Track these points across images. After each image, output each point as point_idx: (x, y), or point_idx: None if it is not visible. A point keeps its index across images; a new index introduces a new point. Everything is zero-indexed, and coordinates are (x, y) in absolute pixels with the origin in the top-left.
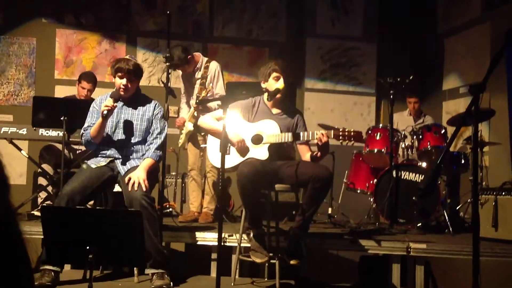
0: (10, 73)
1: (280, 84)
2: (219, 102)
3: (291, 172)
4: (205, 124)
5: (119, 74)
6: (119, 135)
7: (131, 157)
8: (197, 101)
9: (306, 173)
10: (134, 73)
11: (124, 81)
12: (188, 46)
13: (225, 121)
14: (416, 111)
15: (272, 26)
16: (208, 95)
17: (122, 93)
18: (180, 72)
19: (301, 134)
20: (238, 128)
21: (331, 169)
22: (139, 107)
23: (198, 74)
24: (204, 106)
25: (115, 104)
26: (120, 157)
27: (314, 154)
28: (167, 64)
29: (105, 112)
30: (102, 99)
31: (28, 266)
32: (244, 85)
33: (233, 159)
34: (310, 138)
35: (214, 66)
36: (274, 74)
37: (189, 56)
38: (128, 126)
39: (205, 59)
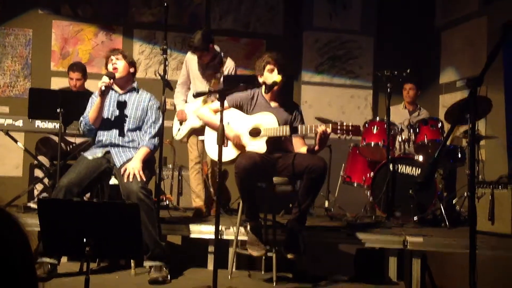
0: (6, 64)
1: (278, 77)
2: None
3: (288, 164)
4: (203, 116)
5: (109, 59)
6: (114, 122)
7: (126, 145)
8: (194, 94)
9: (302, 164)
10: (122, 54)
11: (113, 61)
12: (211, 34)
13: (222, 114)
14: (412, 101)
15: (269, 19)
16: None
17: (114, 72)
18: (185, 60)
19: (299, 127)
20: (236, 122)
21: (328, 162)
22: (134, 97)
23: (213, 68)
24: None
25: (111, 81)
26: (115, 143)
27: (312, 147)
28: (164, 56)
29: (103, 87)
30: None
31: (31, 258)
32: (241, 77)
33: (231, 152)
34: (308, 132)
35: (231, 63)
36: (268, 67)
37: (210, 45)
38: (122, 113)
39: (221, 53)
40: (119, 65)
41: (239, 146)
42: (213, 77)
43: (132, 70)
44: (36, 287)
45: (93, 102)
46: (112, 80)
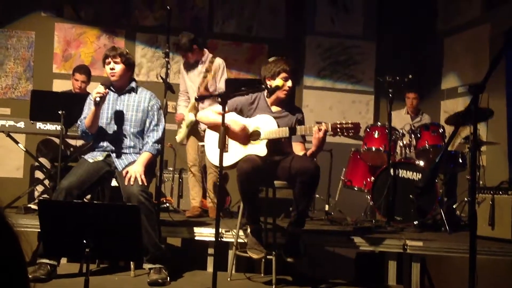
0: (8, 66)
1: (280, 81)
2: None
3: (286, 166)
4: (205, 117)
5: (107, 60)
6: (114, 126)
7: (127, 151)
8: (196, 97)
9: (295, 168)
10: (120, 57)
11: (111, 65)
12: (199, 38)
13: (224, 117)
14: (414, 108)
15: (271, 23)
16: (209, 86)
17: (112, 78)
18: (180, 68)
19: (297, 128)
20: (239, 119)
21: (329, 166)
22: (134, 98)
23: (202, 68)
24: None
25: (106, 90)
26: (116, 149)
27: (309, 151)
28: (166, 59)
29: (97, 99)
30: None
31: (21, 259)
32: (243, 81)
33: (231, 157)
34: (308, 132)
35: (219, 61)
36: (283, 75)
37: (194, 46)
38: (122, 116)
39: (210, 55)
40: (117, 69)
41: (245, 138)
42: (201, 78)
43: (130, 71)
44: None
45: (90, 104)
46: (107, 89)
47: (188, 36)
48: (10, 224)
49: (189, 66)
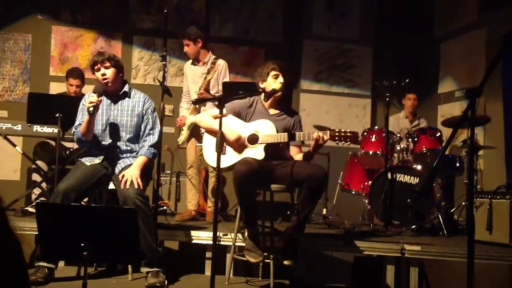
0: (5, 69)
1: (278, 84)
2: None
3: (287, 172)
4: (202, 121)
5: (96, 67)
6: (110, 133)
7: (124, 155)
8: (193, 100)
9: (302, 173)
10: (109, 61)
11: (102, 71)
12: (205, 35)
13: (221, 121)
14: (413, 111)
15: (268, 27)
16: (212, 87)
17: (105, 85)
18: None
19: (297, 134)
20: (234, 128)
21: (326, 170)
22: (128, 102)
23: (205, 69)
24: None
25: (99, 99)
26: (113, 155)
27: (306, 152)
28: (163, 62)
29: (91, 109)
30: (89, 96)
31: (22, 263)
32: (240, 85)
33: (229, 159)
34: (306, 139)
35: (221, 63)
36: (273, 73)
37: (199, 40)
38: (117, 124)
39: (213, 56)
40: (108, 74)
41: (240, 147)
42: (204, 77)
43: (121, 73)
44: None
45: (84, 109)
46: (100, 98)
47: (198, 30)
48: (12, 228)
49: (193, 69)
